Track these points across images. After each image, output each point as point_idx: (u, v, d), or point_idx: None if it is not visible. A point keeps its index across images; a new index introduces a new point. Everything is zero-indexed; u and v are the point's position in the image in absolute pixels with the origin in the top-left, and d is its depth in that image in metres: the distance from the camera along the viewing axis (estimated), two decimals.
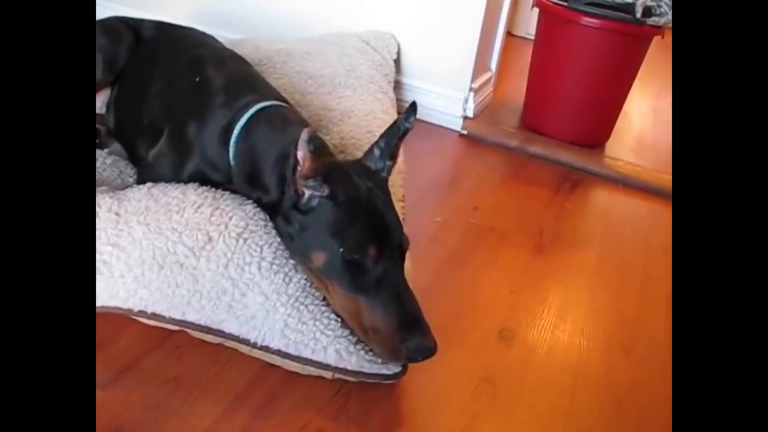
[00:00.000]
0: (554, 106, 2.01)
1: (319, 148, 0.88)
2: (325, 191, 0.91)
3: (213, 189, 1.07)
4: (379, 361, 0.91)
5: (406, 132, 0.99)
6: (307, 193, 0.92)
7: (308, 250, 0.93)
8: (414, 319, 0.87)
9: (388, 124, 1.01)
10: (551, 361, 1.10)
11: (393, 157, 1.01)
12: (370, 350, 0.91)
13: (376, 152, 1.00)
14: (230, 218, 1.00)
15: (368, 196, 0.92)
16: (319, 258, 0.91)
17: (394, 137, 0.99)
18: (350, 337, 0.92)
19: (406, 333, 0.86)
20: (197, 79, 1.14)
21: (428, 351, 0.87)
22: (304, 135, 0.86)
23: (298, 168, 0.91)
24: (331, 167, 0.93)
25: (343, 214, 0.90)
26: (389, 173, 1.02)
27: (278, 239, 0.99)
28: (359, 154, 1.26)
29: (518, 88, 2.24)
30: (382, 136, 1.00)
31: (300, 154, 0.89)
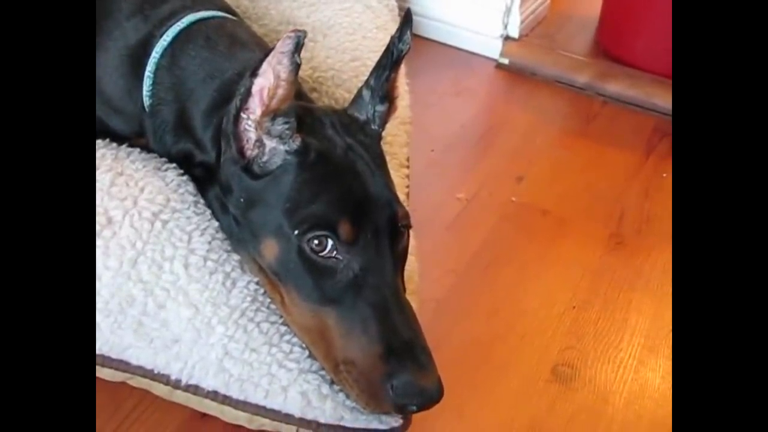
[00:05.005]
0: (651, 19, 2.00)
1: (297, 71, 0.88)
2: (296, 143, 0.92)
3: (114, 145, 1.08)
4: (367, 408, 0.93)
5: (400, 58, 1.00)
6: (269, 144, 0.93)
7: (257, 237, 0.94)
8: (407, 344, 0.87)
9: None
10: (634, 416, 1.12)
11: (387, 99, 1.02)
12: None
13: (366, 95, 1.02)
14: (141, 190, 1.01)
15: (345, 156, 0.95)
16: (269, 249, 0.93)
17: (386, 69, 1.00)
18: (323, 373, 0.94)
19: (394, 365, 0.86)
20: None
21: (427, 395, 0.87)
22: (290, 37, 0.85)
23: (256, 102, 0.90)
24: (301, 110, 0.95)
25: (310, 181, 0.92)
26: (384, 124, 1.04)
27: (215, 223, 1.01)
28: (341, 94, 1.28)
29: None
30: (373, 69, 1.02)
31: (269, 77, 0.88)
